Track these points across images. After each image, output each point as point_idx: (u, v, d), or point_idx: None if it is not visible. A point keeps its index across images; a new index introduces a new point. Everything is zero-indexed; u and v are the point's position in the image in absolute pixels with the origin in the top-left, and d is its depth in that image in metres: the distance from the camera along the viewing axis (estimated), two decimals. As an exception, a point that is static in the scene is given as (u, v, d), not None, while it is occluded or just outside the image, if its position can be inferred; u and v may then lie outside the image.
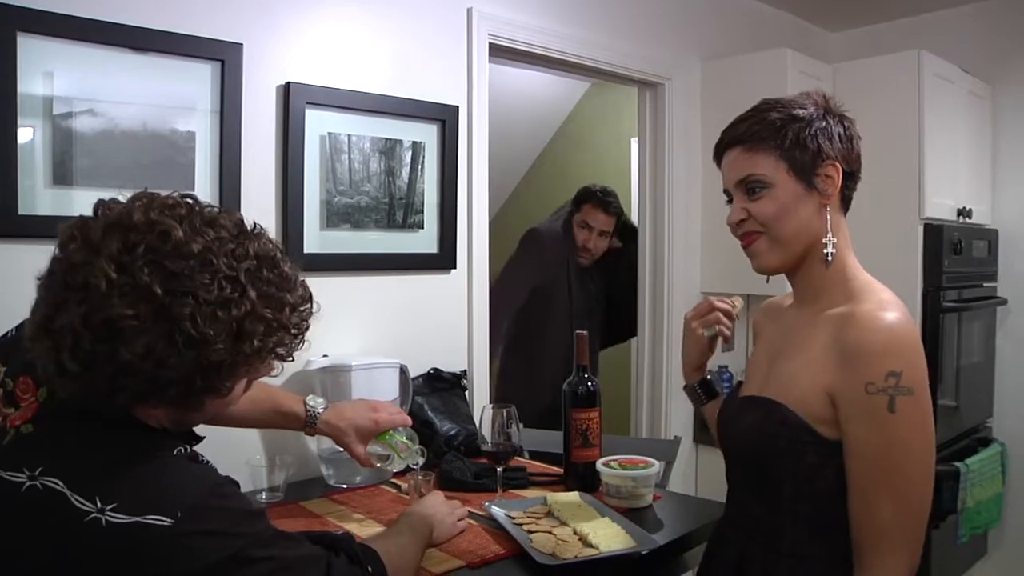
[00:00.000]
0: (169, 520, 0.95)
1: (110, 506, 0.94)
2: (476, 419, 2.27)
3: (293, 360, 1.13)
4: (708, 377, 1.75)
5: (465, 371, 2.60)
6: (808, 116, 1.38)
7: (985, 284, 3.69)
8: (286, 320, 1.07)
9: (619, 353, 4.03)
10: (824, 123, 1.38)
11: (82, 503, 0.94)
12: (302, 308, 1.11)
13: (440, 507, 1.74)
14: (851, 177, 1.41)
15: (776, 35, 3.75)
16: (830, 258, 1.38)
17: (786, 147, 1.37)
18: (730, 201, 1.44)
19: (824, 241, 1.38)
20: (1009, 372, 3.74)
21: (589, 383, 2.08)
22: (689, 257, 3.47)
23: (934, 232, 3.28)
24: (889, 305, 1.31)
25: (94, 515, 0.93)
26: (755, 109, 1.43)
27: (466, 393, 2.57)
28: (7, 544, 0.98)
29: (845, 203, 1.43)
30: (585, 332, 2.11)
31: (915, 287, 3.24)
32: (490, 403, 2.24)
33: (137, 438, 1.04)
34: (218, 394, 1.06)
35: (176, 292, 0.96)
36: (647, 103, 3.38)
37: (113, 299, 0.94)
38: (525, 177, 5.35)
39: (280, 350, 1.09)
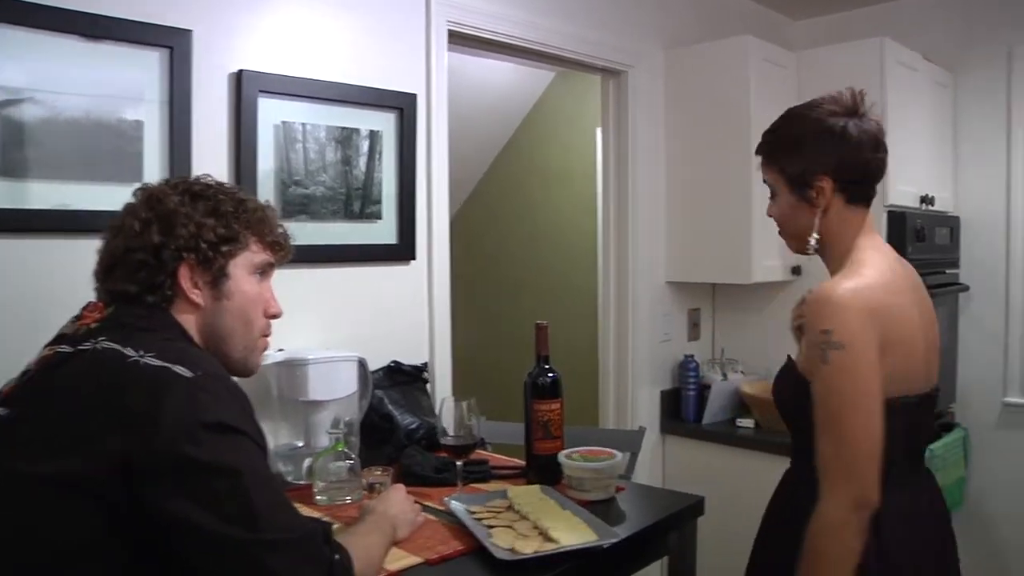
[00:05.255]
0: (191, 373, 1.19)
1: (149, 354, 1.21)
2: (437, 412, 2.24)
3: (284, 251, 1.50)
4: None
5: (426, 363, 2.55)
6: (813, 131, 1.59)
7: (947, 271, 3.70)
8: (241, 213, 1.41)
9: (586, 342, 4.01)
10: (829, 135, 1.57)
11: (129, 352, 1.21)
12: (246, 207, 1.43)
13: (403, 503, 1.72)
14: (851, 182, 1.59)
15: (740, 23, 3.73)
16: (811, 251, 1.64)
17: (783, 163, 1.63)
18: None
19: (808, 238, 1.62)
20: (971, 358, 3.76)
21: (550, 374, 2.05)
22: (653, 246, 3.45)
23: (897, 219, 3.27)
24: (851, 276, 1.52)
25: (135, 358, 1.20)
26: (781, 119, 1.67)
27: (427, 386, 2.53)
28: (74, 383, 1.21)
29: (855, 199, 1.61)
30: (545, 322, 2.08)
31: (879, 274, 3.24)
32: (451, 395, 2.21)
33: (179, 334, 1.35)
34: (233, 245, 1.38)
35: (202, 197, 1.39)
36: (610, 91, 3.35)
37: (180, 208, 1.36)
38: (490, 168, 5.31)
39: (257, 232, 1.43)
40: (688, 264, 3.42)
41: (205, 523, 1.12)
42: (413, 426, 2.33)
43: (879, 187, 3.20)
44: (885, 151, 1.62)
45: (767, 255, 3.27)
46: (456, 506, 1.80)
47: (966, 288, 3.71)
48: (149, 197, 1.37)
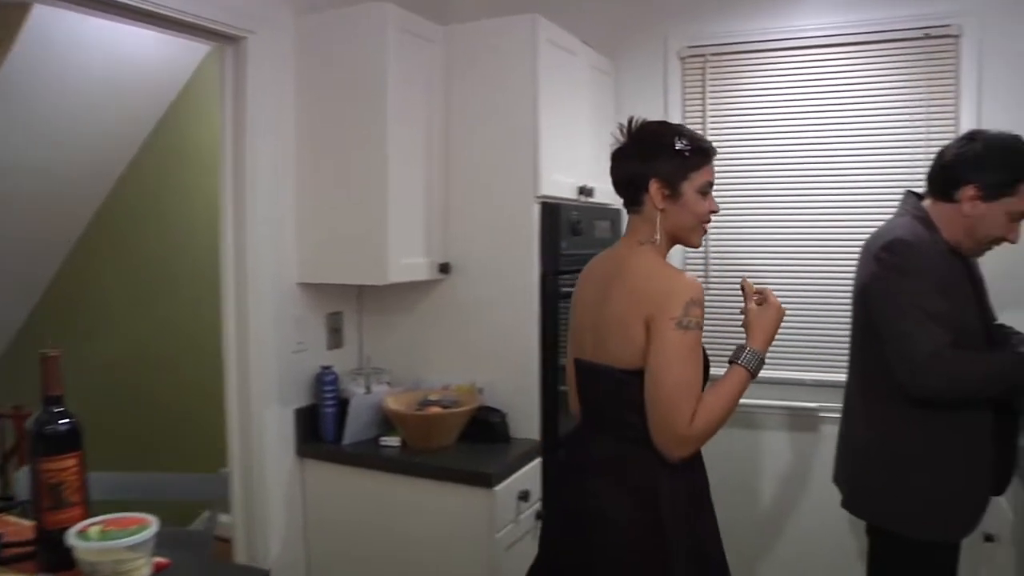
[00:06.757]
0: None
1: None
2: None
3: None
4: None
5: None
6: None
7: (611, 265, 3.55)
8: None
9: (212, 352, 3.46)
10: None
11: None
12: None
13: None
14: None
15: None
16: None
17: None
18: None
19: None
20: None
21: (62, 420, 1.55)
22: (281, 242, 2.98)
23: (550, 211, 3.03)
24: None
25: None
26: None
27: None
28: None
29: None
30: (54, 352, 1.57)
31: (532, 272, 2.97)
32: None
33: None
34: None
35: None
36: (227, 61, 2.84)
37: None
38: (142, 149, 4.73)
39: None
40: (321, 263, 2.97)
41: None
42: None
43: (530, 175, 3.02)
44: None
45: (408, 252, 2.91)
46: None
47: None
48: None
